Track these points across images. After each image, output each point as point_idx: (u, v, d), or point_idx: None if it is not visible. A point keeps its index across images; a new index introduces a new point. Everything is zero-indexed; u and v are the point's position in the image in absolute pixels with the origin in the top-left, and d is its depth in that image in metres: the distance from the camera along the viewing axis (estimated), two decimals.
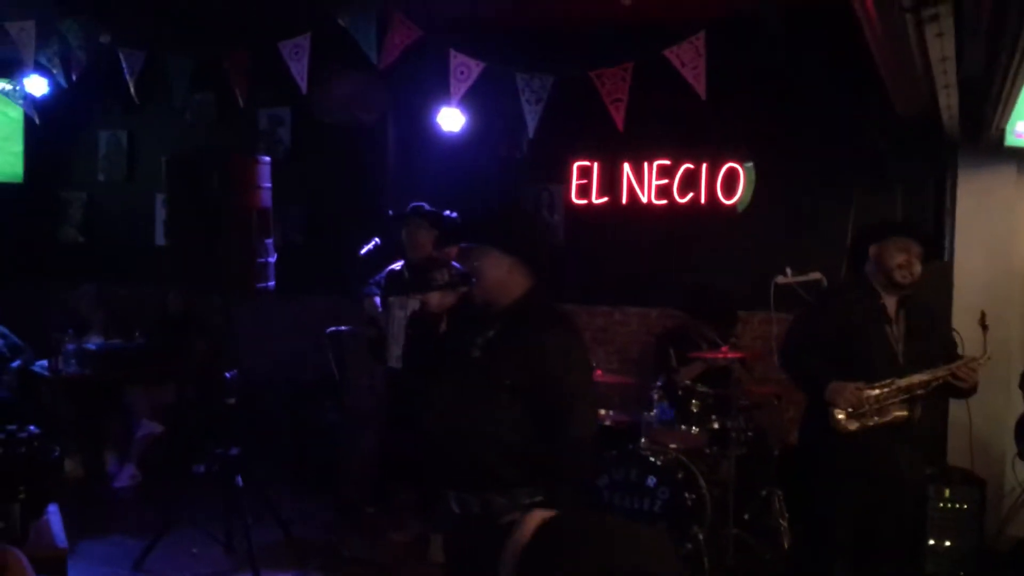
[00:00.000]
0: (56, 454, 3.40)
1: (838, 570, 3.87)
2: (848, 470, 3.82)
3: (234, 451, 4.97)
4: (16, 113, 7.83)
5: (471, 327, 3.08)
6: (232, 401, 5.10)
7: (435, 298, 3.09)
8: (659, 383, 5.46)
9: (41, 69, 6.41)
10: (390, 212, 6.07)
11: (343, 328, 5.64)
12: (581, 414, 2.90)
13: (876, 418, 3.72)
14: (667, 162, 6.59)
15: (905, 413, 3.72)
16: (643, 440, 5.28)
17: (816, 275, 5.49)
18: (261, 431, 6.33)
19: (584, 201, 6.83)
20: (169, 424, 6.76)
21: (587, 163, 6.80)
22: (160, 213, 7.88)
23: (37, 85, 6.77)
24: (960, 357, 3.83)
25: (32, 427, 3.32)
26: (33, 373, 6.90)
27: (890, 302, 3.87)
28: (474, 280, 3.04)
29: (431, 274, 3.23)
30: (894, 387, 3.72)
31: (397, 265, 5.74)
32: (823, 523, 3.90)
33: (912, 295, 3.91)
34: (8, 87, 7.42)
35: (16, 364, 7.13)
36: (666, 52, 5.16)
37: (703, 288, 6.01)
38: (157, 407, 6.78)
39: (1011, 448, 5.26)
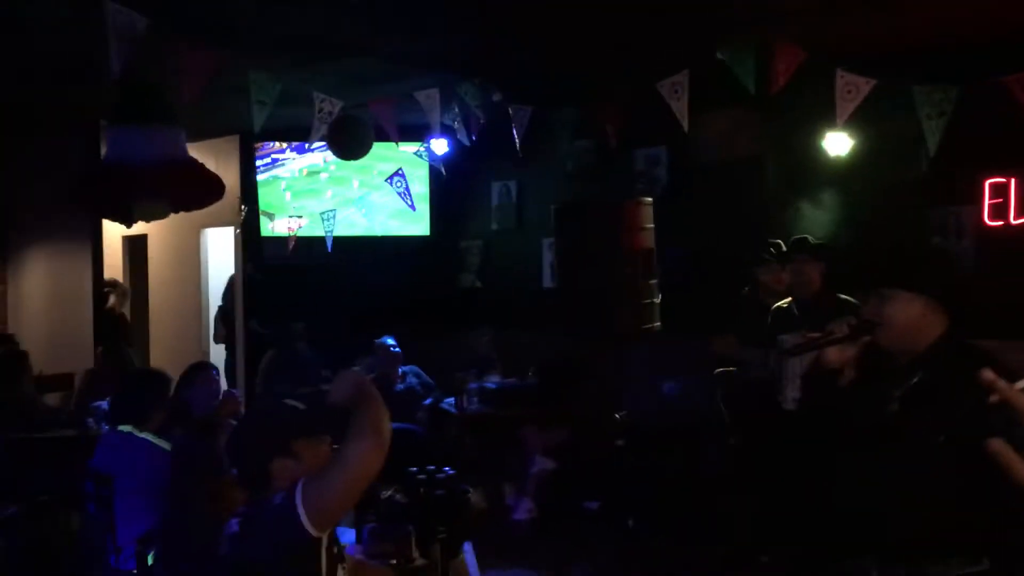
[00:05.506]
0: (468, 493, 3.59)
1: None
2: None
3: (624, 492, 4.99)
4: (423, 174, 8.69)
5: (883, 378, 2.77)
6: (621, 443, 5.12)
7: (833, 353, 2.82)
8: None
9: (444, 131, 7.03)
10: (771, 250, 5.84)
11: (731, 368, 5.47)
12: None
13: None
14: None
15: None
16: None
17: None
18: (648, 474, 6.29)
19: (999, 223, 6.04)
20: (561, 462, 6.97)
21: (1001, 180, 6.01)
22: (547, 257, 8.25)
23: (439, 145, 7.72)
24: None
25: (447, 468, 3.53)
26: (442, 410, 7.50)
27: None
28: (879, 327, 2.74)
29: (827, 326, 2.93)
30: None
31: (784, 302, 5.48)
32: None
33: None
34: (419, 149, 8.29)
35: (428, 402, 7.78)
36: None
37: None
38: (548, 445, 7.03)
39: None
